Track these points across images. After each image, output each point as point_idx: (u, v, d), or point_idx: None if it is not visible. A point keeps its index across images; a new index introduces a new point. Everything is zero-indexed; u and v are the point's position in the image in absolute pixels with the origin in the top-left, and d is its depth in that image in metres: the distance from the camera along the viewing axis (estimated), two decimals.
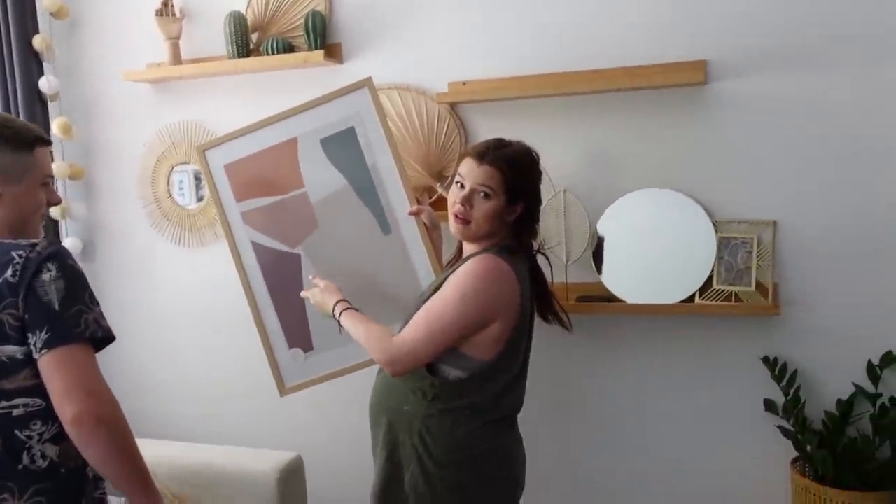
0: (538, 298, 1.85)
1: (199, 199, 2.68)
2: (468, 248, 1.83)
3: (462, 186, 1.76)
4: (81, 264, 2.82)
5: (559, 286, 2.27)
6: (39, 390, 1.33)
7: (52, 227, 2.72)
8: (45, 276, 1.31)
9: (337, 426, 2.61)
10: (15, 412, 1.33)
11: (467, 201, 1.74)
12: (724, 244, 2.16)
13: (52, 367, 1.30)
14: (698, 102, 2.17)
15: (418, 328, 1.68)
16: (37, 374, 1.32)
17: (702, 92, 2.16)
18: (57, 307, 1.31)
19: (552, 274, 2.10)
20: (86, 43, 2.76)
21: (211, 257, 2.69)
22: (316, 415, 2.61)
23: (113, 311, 2.79)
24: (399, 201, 2.04)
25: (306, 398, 2.19)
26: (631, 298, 2.20)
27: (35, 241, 1.36)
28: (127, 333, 2.82)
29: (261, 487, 2.29)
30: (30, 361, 1.32)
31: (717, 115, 2.16)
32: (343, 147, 2.05)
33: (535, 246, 1.87)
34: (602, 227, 2.25)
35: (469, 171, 1.75)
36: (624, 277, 2.23)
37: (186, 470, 2.42)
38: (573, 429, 2.40)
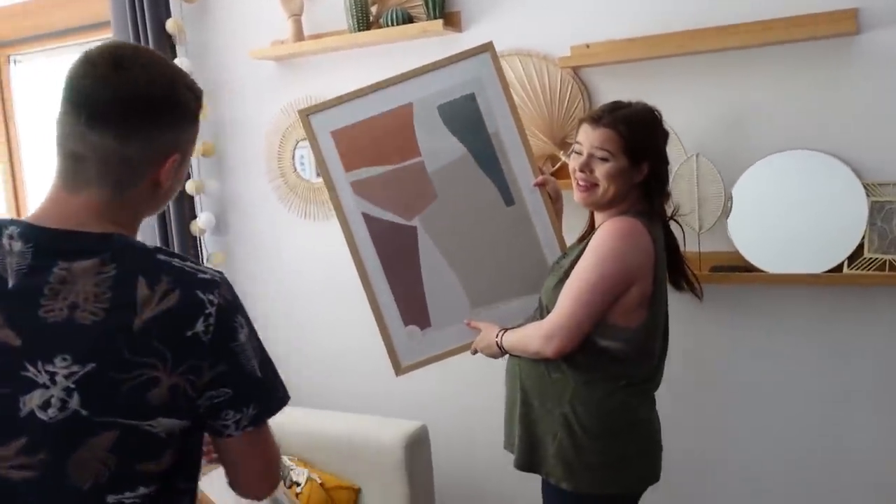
0: (670, 265, 1.80)
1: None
2: (600, 218, 1.79)
3: (580, 154, 1.73)
4: (215, 239, 3.03)
5: (691, 255, 2.16)
6: (169, 472, 1.04)
7: (188, 203, 2.84)
8: (242, 336, 1.04)
9: (463, 398, 2.61)
10: (147, 502, 1.02)
11: (586, 167, 1.71)
12: (876, 209, 1.99)
13: (251, 444, 1.08)
14: (846, 55, 1.99)
15: (566, 301, 1.66)
16: (178, 453, 1.03)
17: (851, 44, 1.98)
18: (259, 374, 1.06)
19: (684, 242, 2.00)
20: (215, 24, 2.85)
21: (336, 229, 2.73)
22: (442, 385, 2.62)
23: (244, 283, 2.91)
24: (523, 171, 1.98)
25: (433, 369, 2.19)
26: (771, 268, 2.07)
27: (204, 268, 1.06)
28: (257, 304, 2.93)
29: (387, 455, 2.33)
30: (176, 437, 1.02)
31: (869, 69, 1.97)
32: (462, 114, 1.96)
33: (669, 212, 1.81)
34: (738, 193, 2.12)
35: (585, 137, 1.72)
36: (763, 246, 2.10)
37: (314, 436, 2.50)
38: (706, 405, 2.29)
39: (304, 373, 2.85)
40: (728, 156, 2.13)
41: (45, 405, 0.94)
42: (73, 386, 0.94)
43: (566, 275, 1.71)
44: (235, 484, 1.14)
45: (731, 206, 2.12)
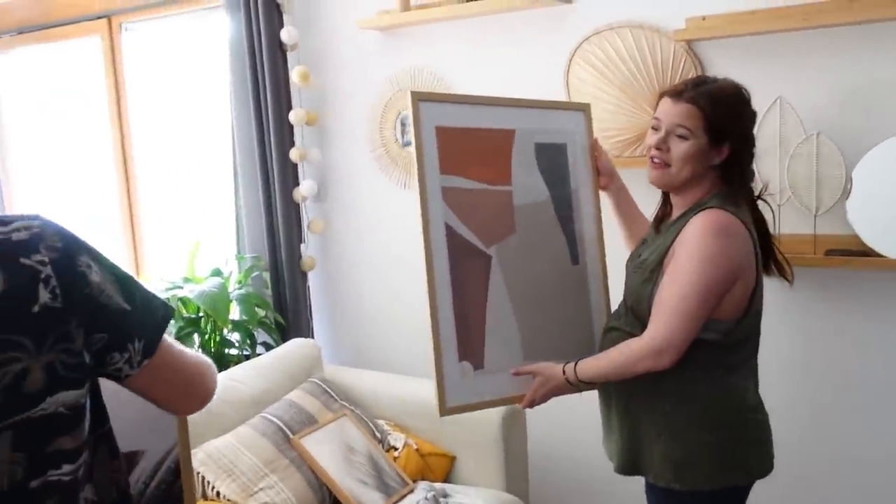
0: (760, 248, 1.67)
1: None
2: (677, 201, 1.69)
3: (658, 129, 1.64)
4: (315, 207, 3.09)
5: (806, 238, 2.10)
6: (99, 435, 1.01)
7: (291, 170, 2.90)
8: (94, 276, 0.94)
9: None
10: (81, 473, 0.96)
11: (663, 143, 1.62)
12: None
13: (156, 374, 1.01)
14: None
15: (672, 314, 1.56)
16: (91, 413, 0.97)
17: None
18: (127, 305, 0.97)
19: (776, 224, 1.93)
20: None
21: None
22: None
23: (342, 249, 2.98)
24: (590, 236, 1.93)
25: None
26: (893, 253, 1.99)
27: (16, 224, 0.91)
28: (354, 270, 3.00)
29: (484, 426, 2.36)
30: (81, 405, 0.95)
31: None
32: (553, 160, 1.91)
33: (756, 191, 1.70)
34: (859, 175, 2.03)
35: (665, 112, 1.62)
36: (884, 230, 2.01)
37: (411, 403, 2.55)
38: (816, 396, 2.23)
39: (402, 340, 2.90)
40: (850, 136, 2.04)
41: None
42: None
43: (652, 274, 1.63)
44: (166, 409, 1.08)
45: (850, 188, 2.04)
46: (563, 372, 1.71)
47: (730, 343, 1.61)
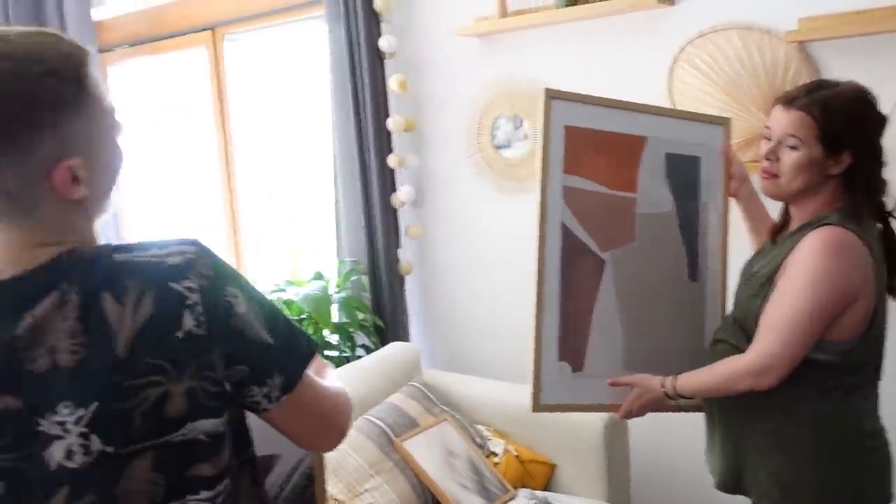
0: (888, 269, 1.58)
1: (520, 138, 2.76)
2: (796, 212, 1.62)
3: (769, 139, 1.58)
4: (412, 212, 3.14)
5: None
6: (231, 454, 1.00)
7: (389, 176, 2.96)
8: (240, 307, 0.94)
9: None
10: (219, 500, 0.96)
11: (772, 154, 1.56)
12: None
13: (293, 411, 1.00)
14: None
15: (778, 333, 1.50)
16: (230, 441, 0.98)
17: None
18: (271, 339, 0.96)
19: None
20: (420, 2, 2.92)
21: (530, 206, 2.76)
22: None
23: (438, 254, 3.01)
24: (714, 253, 1.88)
25: None
26: None
27: (170, 249, 0.93)
28: (450, 276, 3.03)
29: (586, 434, 2.35)
30: (219, 433, 0.95)
31: None
32: (683, 172, 1.86)
33: (888, 206, 1.60)
34: None
35: (776, 120, 1.56)
36: None
37: (507, 408, 2.56)
38: None
39: (498, 346, 2.92)
40: None
41: (68, 455, 0.88)
42: (86, 430, 0.87)
43: (762, 288, 1.58)
44: (301, 445, 1.08)
45: None
46: (662, 385, 1.68)
47: (848, 365, 1.54)
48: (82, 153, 0.91)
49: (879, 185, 1.58)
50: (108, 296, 0.88)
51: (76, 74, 0.91)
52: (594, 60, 2.56)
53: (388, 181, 2.96)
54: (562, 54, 2.62)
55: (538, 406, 1.77)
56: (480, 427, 2.56)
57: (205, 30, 3.55)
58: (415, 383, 2.62)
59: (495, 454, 2.46)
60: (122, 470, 0.89)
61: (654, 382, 1.70)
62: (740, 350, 1.60)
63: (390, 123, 2.91)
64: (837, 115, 1.52)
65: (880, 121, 1.56)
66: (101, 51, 3.66)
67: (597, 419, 2.32)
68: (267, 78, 3.51)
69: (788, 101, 1.56)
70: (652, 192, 1.85)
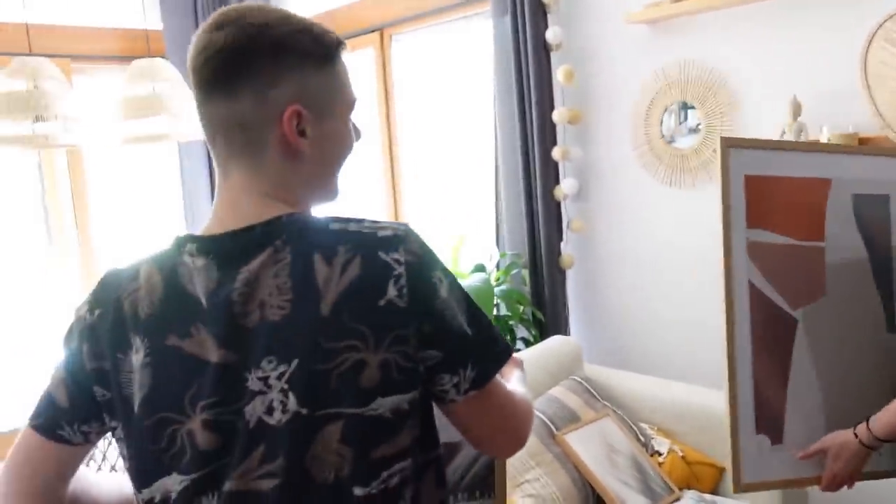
0: None
1: (692, 130, 2.65)
2: None
3: None
4: (575, 205, 3.10)
5: None
6: (415, 446, 0.97)
7: (553, 169, 2.94)
8: (442, 291, 0.94)
9: None
10: (392, 483, 0.94)
11: None
12: None
13: (480, 408, 0.98)
14: None
15: None
16: (415, 427, 0.96)
17: None
18: (469, 330, 0.95)
19: None
20: None
21: (700, 199, 2.66)
22: None
23: (601, 248, 2.95)
24: None
25: None
26: None
27: (384, 224, 0.96)
28: (614, 271, 2.96)
29: None
30: (405, 413, 0.94)
31: None
32: (872, 213, 1.71)
33: None
34: None
35: None
36: None
37: (673, 407, 2.47)
38: None
39: (661, 342, 2.82)
40: None
41: (269, 410, 0.91)
42: (286, 386, 0.90)
43: None
44: (477, 447, 1.05)
45: None
46: (855, 434, 1.53)
47: None
48: (315, 109, 0.97)
49: None
50: (318, 257, 0.91)
51: (328, 45, 0.99)
52: (774, 45, 2.42)
53: (552, 174, 2.94)
54: (738, 39, 2.49)
55: (740, 486, 1.64)
56: (644, 425, 2.48)
57: (373, 31, 3.69)
58: (576, 377, 2.58)
59: (660, 453, 2.37)
60: (314, 435, 0.90)
61: (847, 436, 1.55)
62: None
63: (555, 115, 2.88)
64: None
65: None
66: None
67: None
68: (432, 75, 3.59)
69: None
70: (841, 238, 1.70)
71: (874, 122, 2.18)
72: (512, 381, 1.11)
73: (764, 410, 1.63)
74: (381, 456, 0.93)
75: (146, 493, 0.96)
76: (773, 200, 1.66)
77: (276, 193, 0.97)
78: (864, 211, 1.69)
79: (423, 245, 0.96)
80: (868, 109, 2.19)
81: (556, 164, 2.94)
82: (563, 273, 2.99)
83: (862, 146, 1.81)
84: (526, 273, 3.02)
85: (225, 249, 0.94)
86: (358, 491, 0.92)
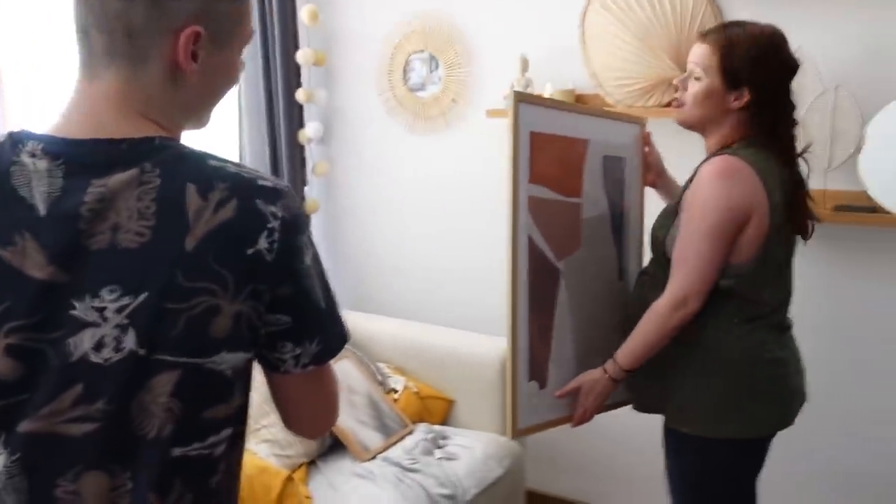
0: (792, 205, 1.63)
1: (418, 88, 2.72)
2: (706, 145, 1.67)
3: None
4: (320, 149, 3.06)
5: (816, 192, 2.08)
6: (241, 414, 0.93)
7: (297, 111, 2.87)
8: (307, 258, 0.90)
9: None
10: (217, 451, 0.90)
11: (683, 83, 1.64)
12: None
13: (311, 384, 0.95)
14: None
15: (683, 260, 1.58)
16: (244, 391, 0.92)
17: None
18: (324, 304, 0.92)
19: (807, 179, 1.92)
20: None
21: (441, 146, 2.75)
22: None
23: (346, 193, 2.96)
24: (635, 252, 1.90)
25: None
26: None
27: (265, 175, 0.90)
28: (358, 214, 2.98)
29: (483, 371, 2.38)
30: (242, 373, 0.90)
31: None
32: (613, 173, 1.84)
33: (799, 148, 1.66)
34: (873, 131, 2.03)
35: (691, 53, 1.64)
36: (894, 187, 2.02)
37: (412, 347, 2.56)
38: (817, 349, 2.24)
39: (404, 285, 2.90)
40: (867, 90, 2.03)
41: (98, 346, 0.82)
42: (125, 321, 0.81)
43: (666, 220, 1.66)
44: (290, 423, 1.01)
45: (863, 144, 2.04)
46: (605, 371, 1.69)
47: (744, 290, 1.60)
48: (215, 35, 0.88)
49: (781, 125, 1.62)
50: (193, 188, 0.84)
51: None
52: (507, 1, 2.54)
53: (296, 116, 2.87)
54: None
55: (516, 431, 1.71)
56: (382, 364, 2.55)
57: None
58: None
59: (395, 391, 2.46)
60: (145, 381, 0.82)
61: (597, 374, 1.71)
62: (657, 277, 1.66)
63: (299, 56, 2.81)
64: (740, 51, 1.57)
65: (787, 64, 1.61)
66: None
67: (494, 355, 2.35)
68: None
69: (703, 35, 1.63)
70: (593, 195, 1.80)
71: (591, 81, 2.39)
72: None
73: (535, 358, 1.71)
74: (213, 417, 0.87)
75: None
76: (548, 158, 1.70)
77: (148, 112, 0.88)
78: (608, 172, 1.83)
79: (299, 206, 0.91)
80: (585, 70, 2.39)
81: (300, 107, 2.88)
82: (307, 217, 2.95)
83: (608, 111, 1.95)
84: None
85: (80, 156, 0.84)
86: (176, 451, 0.86)
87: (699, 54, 1.61)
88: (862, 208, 2.06)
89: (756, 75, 1.58)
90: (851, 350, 2.21)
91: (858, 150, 2.04)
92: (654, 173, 1.90)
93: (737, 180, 1.55)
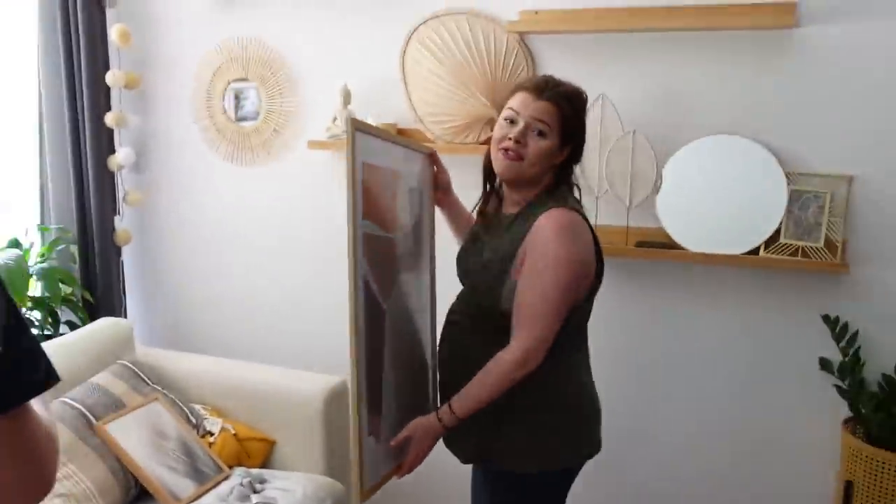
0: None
1: (249, 117, 2.65)
2: (511, 195, 1.68)
3: (513, 122, 1.61)
4: (132, 177, 2.89)
5: (619, 230, 2.22)
6: None
7: (107, 136, 2.69)
8: None
9: None
10: None
11: (522, 136, 1.59)
12: (795, 198, 2.09)
13: None
14: (785, 47, 2.07)
15: (532, 316, 1.55)
16: None
17: (790, 36, 2.06)
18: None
19: (599, 216, 2.04)
20: None
21: (262, 177, 2.67)
22: None
23: (162, 224, 2.81)
24: (431, 286, 1.87)
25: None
26: (693, 247, 2.15)
27: None
28: (175, 248, 2.83)
29: (305, 409, 2.31)
30: None
31: (804, 62, 2.06)
32: (414, 205, 1.78)
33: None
34: (668, 172, 2.18)
35: (524, 106, 1.60)
36: (687, 225, 2.17)
37: (229, 386, 2.44)
38: (620, 376, 2.37)
39: (223, 322, 2.78)
40: (663, 135, 2.18)
41: None
42: None
43: (503, 274, 1.59)
44: None
45: (660, 185, 2.18)
46: (440, 419, 1.63)
47: (574, 324, 1.63)
48: None
49: (573, 174, 1.70)
50: None
51: None
52: (329, 30, 2.52)
53: (105, 141, 2.69)
54: (302, 22, 2.55)
55: (362, 493, 1.57)
56: (197, 406, 2.42)
57: None
58: (124, 361, 2.41)
59: (212, 434, 2.33)
60: None
61: (431, 421, 1.64)
62: (475, 321, 1.65)
63: (109, 78, 2.64)
64: (574, 111, 1.62)
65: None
66: None
67: (316, 393, 2.29)
68: None
69: (538, 90, 1.61)
70: (404, 229, 1.73)
71: (410, 115, 2.41)
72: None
73: (372, 409, 1.59)
74: None
75: None
76: (374, 191, 1.60)
77: None
78: (412, 204, 1.77)
79: None
80: (405, 103, 2.41)
81: (110, 132, 2.70)
82: (118, 249, 2.77)
83: (410, 140, 1.91)
84: (76, 249, 2.74)
85: None
86: None
87: (542, 111, 1.58)
88: (660, 244, 2.20)
89: (579, 132, 1.65)
90: (647, 374, 2.35)
91: (656, 189, 2.18)
92: (442, 192, 1.88)
93: (578, 234, 1.58)
